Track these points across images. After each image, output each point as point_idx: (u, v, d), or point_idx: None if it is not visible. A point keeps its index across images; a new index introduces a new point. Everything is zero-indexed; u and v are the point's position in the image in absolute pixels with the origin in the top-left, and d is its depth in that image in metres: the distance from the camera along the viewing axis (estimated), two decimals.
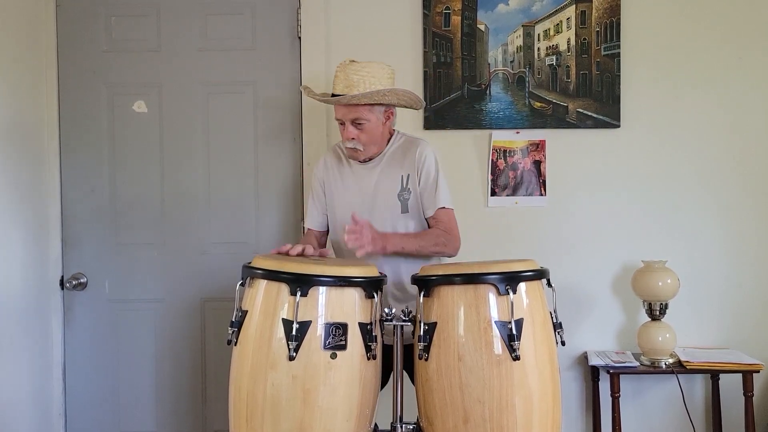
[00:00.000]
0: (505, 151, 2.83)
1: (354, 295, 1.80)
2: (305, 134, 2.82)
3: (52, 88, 2.81)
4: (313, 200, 2.43)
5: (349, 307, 1.79)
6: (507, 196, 2.84)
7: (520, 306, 1.78)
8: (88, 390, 2.87)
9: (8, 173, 2.54)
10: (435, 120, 2.83)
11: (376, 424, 1.94)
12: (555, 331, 1.88)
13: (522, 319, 1.77)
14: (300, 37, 2.83)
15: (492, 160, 2.84)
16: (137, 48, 2.84)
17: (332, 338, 1.75)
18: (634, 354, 2.75)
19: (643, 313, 2.74)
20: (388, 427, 1.94)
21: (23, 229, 2.63)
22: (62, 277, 2.84)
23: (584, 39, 2.82)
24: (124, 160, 2.85)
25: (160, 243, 2.85)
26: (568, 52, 2.83)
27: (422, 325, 1.82)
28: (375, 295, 1.82)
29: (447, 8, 2.83)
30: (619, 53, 2.80)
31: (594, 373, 2.79)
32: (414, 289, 1.93)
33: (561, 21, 2.83)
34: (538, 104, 2.84)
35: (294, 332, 1.72)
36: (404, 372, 1.98)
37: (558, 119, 2.83)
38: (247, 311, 1.82)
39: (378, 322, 1.84)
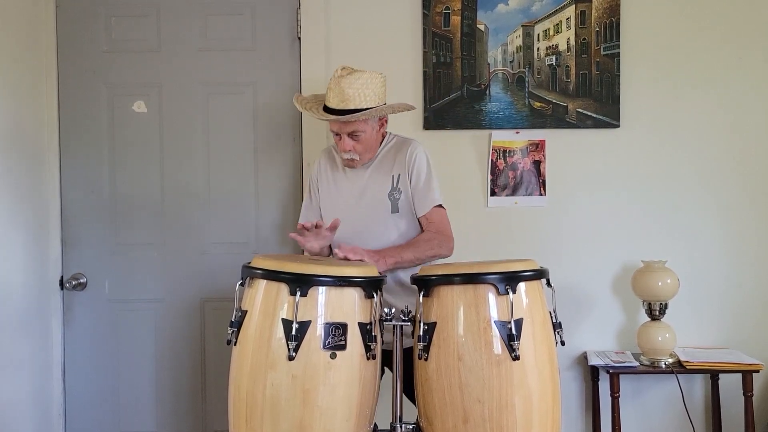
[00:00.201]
0: (504, 151, 2.83)
1: (354, 295, 1.80)
2: (305, 134, 2.83)
3: (52, 89, 2.81)
4: (309, 199, 2.48)
5: (348, 307, 1.79)
6: (507, 196, 2.84)
7: (519, 306, 1.78)
8: (88, 390, 2.87)
9: (8, 173, 2.54)
10: (435, 120, 2.83)
11: (375, 424, 1.94)
12: (555, 331, 1.88)
13: (522, 319, 1.77)
14: (300, 38, 2.83)
15: (492, 160, 2.84)
16: (137, 48, 2.84)
17: (332, 338, 1.75)
18: (633, 354, 2.75)
19: (642, 313, 2.74)
20: (388, 427, 1.93)
21: (23, 229, 2.63)
22: (62, 277, 2.84)
23: (584, 39, 2.82)
24: (124, 161, 2.85)
25: (160, 243, 2.86)
26: (568, 52, 2.83)
27: (422, 325, 1.82)
28: (374, 295, 1.83)
29: (447, 8, 2.83)
30: (618, 53, 2.80)
31: (594, 373, 2.79)
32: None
33: (561, 21, 2.83)
34: (538, 104, 2.84)
35: (293, 332, 1.72)
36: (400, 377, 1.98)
37: (558, 119, 2.83)
38: (246, 311, 1.82)
39: (378, 322, 1.84)
